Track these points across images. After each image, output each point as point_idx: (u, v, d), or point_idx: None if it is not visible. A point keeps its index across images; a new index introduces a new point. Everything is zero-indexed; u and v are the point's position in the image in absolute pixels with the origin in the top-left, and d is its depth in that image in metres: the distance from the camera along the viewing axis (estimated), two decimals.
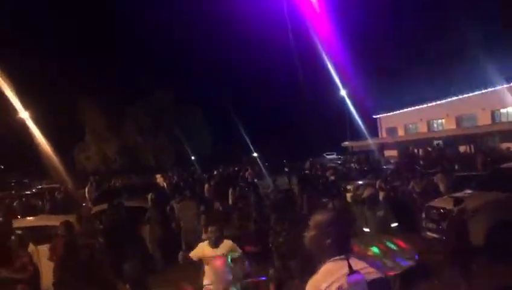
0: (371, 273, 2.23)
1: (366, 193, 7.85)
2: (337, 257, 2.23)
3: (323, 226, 2.29)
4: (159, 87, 41.27)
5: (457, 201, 6.93)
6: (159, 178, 24.46)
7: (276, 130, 52.50)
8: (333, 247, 2.25)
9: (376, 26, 35.97)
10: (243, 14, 39.25)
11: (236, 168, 29.13)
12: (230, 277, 5.28)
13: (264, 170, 25.96)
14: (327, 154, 46.39)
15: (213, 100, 48.28)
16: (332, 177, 15.48)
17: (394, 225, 6.75)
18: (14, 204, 14.87)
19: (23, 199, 16.06)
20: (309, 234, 2.33)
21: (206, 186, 15.80)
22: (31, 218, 9.31)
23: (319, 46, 28.14)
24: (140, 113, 40.82)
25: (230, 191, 12.62)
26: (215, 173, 25.83)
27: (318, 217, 2.33)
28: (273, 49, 44.76)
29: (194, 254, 5.46)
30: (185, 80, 49.55)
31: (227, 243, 5.38)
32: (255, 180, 19.39)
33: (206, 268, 5.33)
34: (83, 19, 59.20)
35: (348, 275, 2.14)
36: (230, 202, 12.17)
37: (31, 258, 6.30)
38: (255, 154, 40.30)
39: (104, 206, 9.89)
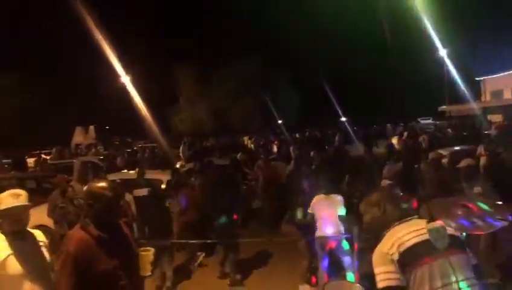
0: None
1: (462, 164, 6.78)
2: (403, 220, 2.25)
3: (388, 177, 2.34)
4: (247, 50, 41.74)
5: None
6: (247, 140, 25.13)
7: (367, 94, 50.52)
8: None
9: None
10: None
11: (323, 132, 28.91)
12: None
13: (353, 135, 25.40)
14: (422, 120, 43.85)
15: (302, 64, 47.68)
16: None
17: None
18: (117, 160, 16.37)
19: (125, 155, 17.61)
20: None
21: (292, 148, 15.88)
22: (131, 171, 10.15)
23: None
24: (230, 77, 41.77)
25: (312, 154, 12.49)
26: (297, 136, 25.96)
27: (385, 170, 2.41)
28: (363, 4, 42.33)
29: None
30: (273, 43, 49.26)
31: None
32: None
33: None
34: None
35: (428, 222, 2.23)
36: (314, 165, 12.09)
37: (129, 204, 7.00)
38: (344, 119, 39.43)
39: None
